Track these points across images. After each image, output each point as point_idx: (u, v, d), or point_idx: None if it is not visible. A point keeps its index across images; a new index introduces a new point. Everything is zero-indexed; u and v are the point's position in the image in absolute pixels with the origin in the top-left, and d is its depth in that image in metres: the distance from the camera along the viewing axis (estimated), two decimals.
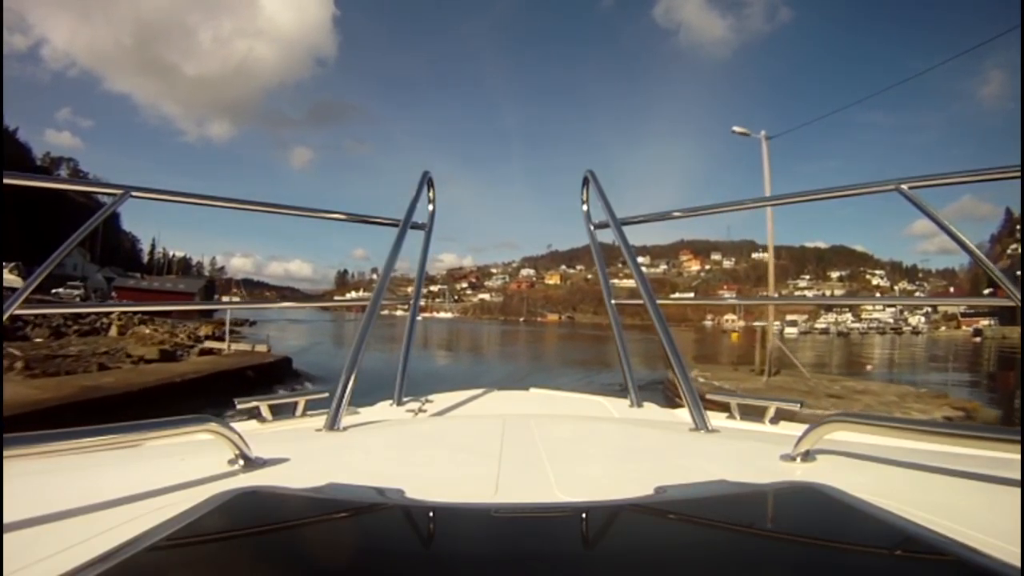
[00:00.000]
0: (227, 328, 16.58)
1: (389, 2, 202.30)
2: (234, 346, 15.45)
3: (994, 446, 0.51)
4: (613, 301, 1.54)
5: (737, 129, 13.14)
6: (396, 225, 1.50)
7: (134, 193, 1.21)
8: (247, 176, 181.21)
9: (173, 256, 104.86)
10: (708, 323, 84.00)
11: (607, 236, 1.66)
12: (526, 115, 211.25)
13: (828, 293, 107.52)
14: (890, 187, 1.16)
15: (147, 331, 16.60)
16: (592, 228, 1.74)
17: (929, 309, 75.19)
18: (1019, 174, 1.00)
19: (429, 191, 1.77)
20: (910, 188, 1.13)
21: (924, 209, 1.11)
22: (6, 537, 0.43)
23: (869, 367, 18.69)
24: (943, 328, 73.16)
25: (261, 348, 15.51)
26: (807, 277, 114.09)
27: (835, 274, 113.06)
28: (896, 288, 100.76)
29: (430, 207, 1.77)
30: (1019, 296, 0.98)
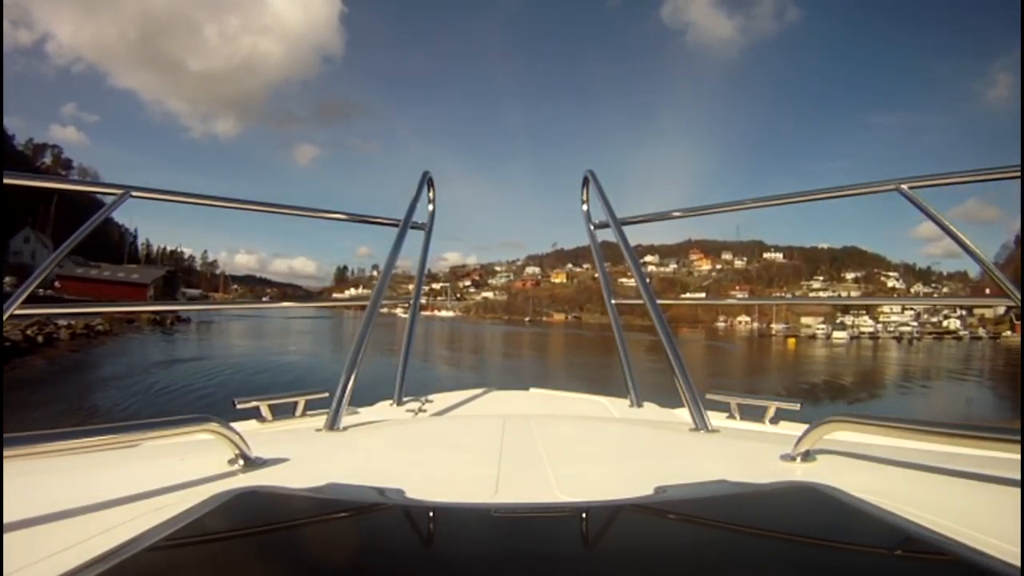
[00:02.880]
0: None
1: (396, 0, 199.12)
2: None
3: (994, 446, 0.51)
4: (613, 301, 1.56)
5: None
6: (396, 225, 1.51)
7: (134, 193, 1.21)
8: (253, 173, 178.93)
9: (164, 249, 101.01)
10: (721, 324, 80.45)
11: (610, 236, 1.66)
12: (532, 114, 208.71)
13: (844, 295, 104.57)
14: (890, 187, 1.16)
15: None
16: (592, 228, 1.75)
17: (964, 312, 71.72)
18: (1019, 174, 1.01)
19: (429, 191, 1.77)
20: (910, 188, 1.13)
21: (924, 209, 1.11)
22: (6, 537, 0.43)
23: None
24: (1008, 333, 62.81)
25: None
26: (820, 278, 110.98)
27: (850, 275, 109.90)
28: (912, 290, 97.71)
29: (430, 207, 1.78)
30: (1019, 296, 0.98)
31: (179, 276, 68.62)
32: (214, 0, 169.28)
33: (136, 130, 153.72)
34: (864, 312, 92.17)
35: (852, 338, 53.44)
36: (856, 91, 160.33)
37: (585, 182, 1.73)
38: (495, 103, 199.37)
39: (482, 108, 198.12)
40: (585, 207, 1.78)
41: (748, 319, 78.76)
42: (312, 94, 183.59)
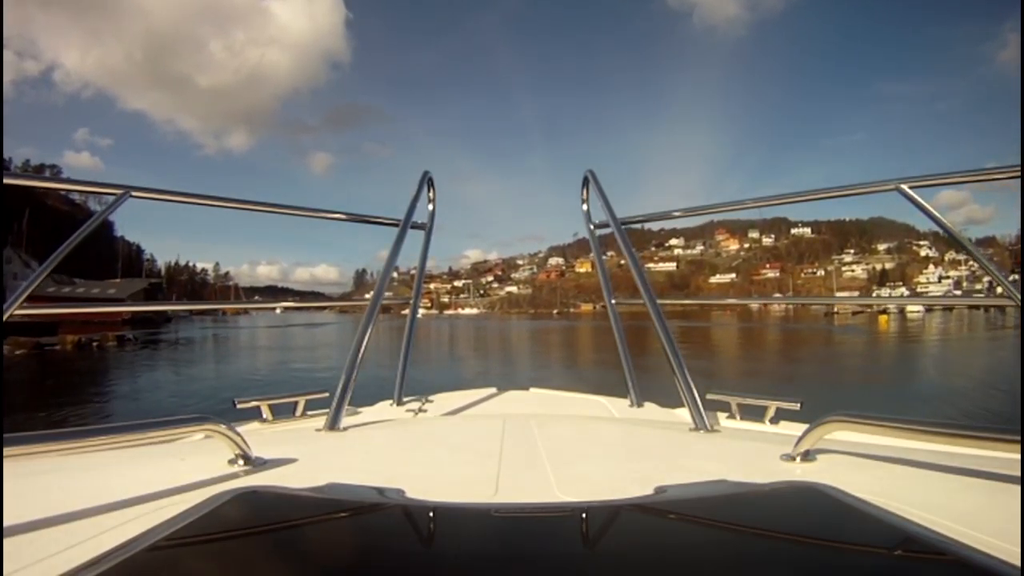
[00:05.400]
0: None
1: (400, 1, 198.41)
2: None
3: (994, 446, 0.51)
4: (614, 300, 1.60)
5: None
6: (396, 225, 1.51)
7: (134, 193, 1.20)
8: (270, 185, 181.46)
9: (173, 263, 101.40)
10: (755, 307, 79.26)
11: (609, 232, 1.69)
12: (544, 106, 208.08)
13: (878, 267, 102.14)
14: (890, 187, 1.17)
15: None
16: (592, 228, 1.75)
17: (1017, 275, 69.50)
18: (1019, 174, 1.01)
19: (429, 191, 1.78)
20: (910, 188, 1.14)
21: (925, 209, 1.12)
22: (7, 537, 0.43)
23: None
24: None
25: None
26: (851, 251, 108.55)
27: (882, 246, 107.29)
28: (946, 258, 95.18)
29: (430, 207, 1.79)
30: (1019, 296, 0.98)
31: (163, 288, 66.25)
32: (218, 15, 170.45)
33: (150, 151, 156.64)
34: (901, 284, 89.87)
35: (926, 310, 50.91)
36: (867, 62, 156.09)
37: (585, 182, 1.74)
38: (506, 98, 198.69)
39: (493, 104, 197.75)
40: (585, 207, 1.80)
41: (780, 295, 77.86)
42: (322, 102, 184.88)
